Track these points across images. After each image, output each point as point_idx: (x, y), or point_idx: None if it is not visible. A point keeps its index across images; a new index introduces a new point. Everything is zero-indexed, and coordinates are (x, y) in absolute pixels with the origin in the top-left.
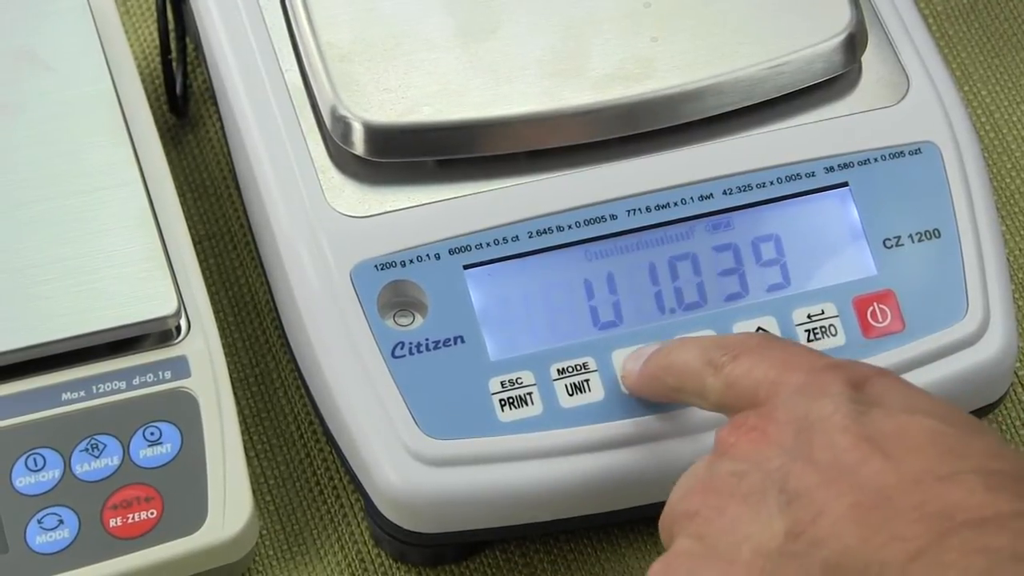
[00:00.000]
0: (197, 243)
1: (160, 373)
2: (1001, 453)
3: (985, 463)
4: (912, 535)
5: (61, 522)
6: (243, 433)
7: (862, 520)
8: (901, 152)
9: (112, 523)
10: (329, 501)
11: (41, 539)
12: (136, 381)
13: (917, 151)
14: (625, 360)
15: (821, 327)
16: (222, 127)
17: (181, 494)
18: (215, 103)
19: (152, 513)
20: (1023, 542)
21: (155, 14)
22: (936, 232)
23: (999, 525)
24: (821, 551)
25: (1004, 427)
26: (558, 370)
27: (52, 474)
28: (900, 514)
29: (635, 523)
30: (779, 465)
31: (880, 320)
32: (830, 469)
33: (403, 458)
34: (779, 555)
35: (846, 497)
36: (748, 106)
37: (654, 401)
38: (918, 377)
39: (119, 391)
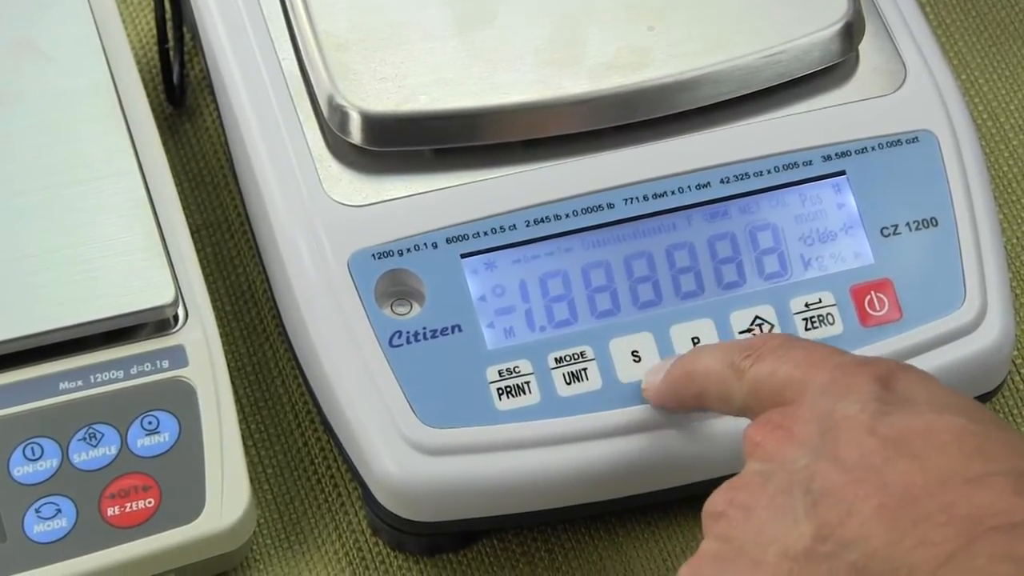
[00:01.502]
0: (194, 232)
1: (158, 362)
2: None
3: (1013, 464)
4: (941, 539)
5: (59, 511)
6: (241, 422)
7: (890, 522)
8: (898, 140)
9: (110, 512)
10: (327, 490)
11: (39, 528)
12: (134, 370)
13: (914, 139)
14: (646, 373)
15: (819, 316)
16: (219, 116)
17: (179, 483)
18: (212, 92)
19: (150, 502)
20: None
21: (152, 3)
22: (933, 220)
23: None
24: (849, 554)
25: (1002, 415)
26: (556, 359)
27: (50, 463)
28: (928, 516)
29: (633, 512)
30: (805, 465)
31: (878, 309)
32: (856, 469)
33: (400, 447)
34: (806, 558)
35: (872, 498)
36: (745, 95)
37: (679, 411)
38: (916, 365)
39: (117, 380)
